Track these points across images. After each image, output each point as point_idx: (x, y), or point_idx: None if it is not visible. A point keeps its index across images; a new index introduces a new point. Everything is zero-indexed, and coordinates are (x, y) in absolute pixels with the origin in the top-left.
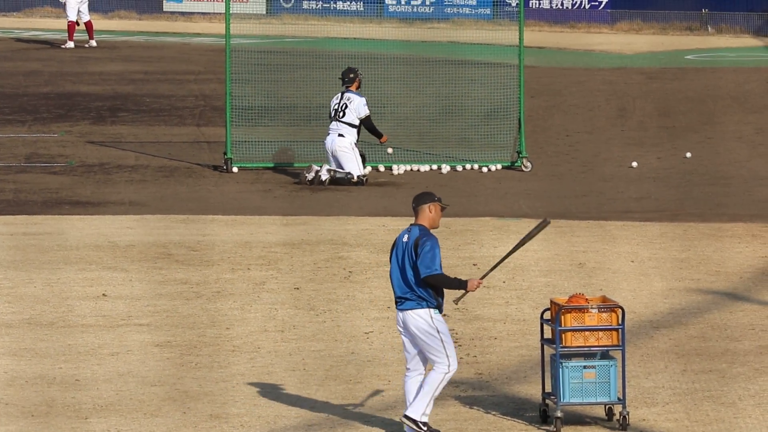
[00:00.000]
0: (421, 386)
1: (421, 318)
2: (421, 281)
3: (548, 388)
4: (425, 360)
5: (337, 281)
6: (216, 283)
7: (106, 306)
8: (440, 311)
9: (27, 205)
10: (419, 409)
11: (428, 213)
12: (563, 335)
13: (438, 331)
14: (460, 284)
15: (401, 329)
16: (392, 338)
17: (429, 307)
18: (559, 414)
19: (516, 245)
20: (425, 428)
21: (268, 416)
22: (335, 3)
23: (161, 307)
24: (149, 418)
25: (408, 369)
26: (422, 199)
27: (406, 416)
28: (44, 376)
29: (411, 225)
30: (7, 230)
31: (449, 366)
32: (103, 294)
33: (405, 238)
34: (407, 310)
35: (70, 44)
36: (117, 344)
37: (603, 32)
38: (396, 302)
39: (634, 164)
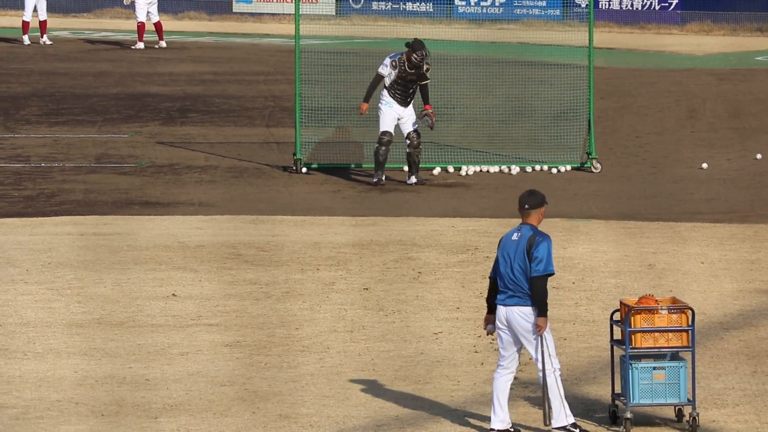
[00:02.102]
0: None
1: (526, 316)
2: (531, 278)
3: (618, 389)
4: (518, 359)
5: (407, 282)
6: (285, 284)
7: (176, 306)
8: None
9: (97, 205)
10: (561, 417)
11: (540, 216)
12: (633, 336)
13: None
14: (544, 308)
15: (502, 326)
16: (461, 339)
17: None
18: (628, 415)
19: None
20: (577, 429)
21: (337, 416)
22: (405, 4)
23: (231, 307)
24: (219, 418)
25: (501, 365)
26: (537, 200)
27: (556, 428)
28: (114, 376)
29: (521, 224)
30: (77, 230)
31: (553, 365)
32: (173, 294)
33: (515, 237)
34: (512, 306)
35: (140, 45)
36: (187, 344)
37: (673, 33)
38: (500, 298)
39: (705, 165)
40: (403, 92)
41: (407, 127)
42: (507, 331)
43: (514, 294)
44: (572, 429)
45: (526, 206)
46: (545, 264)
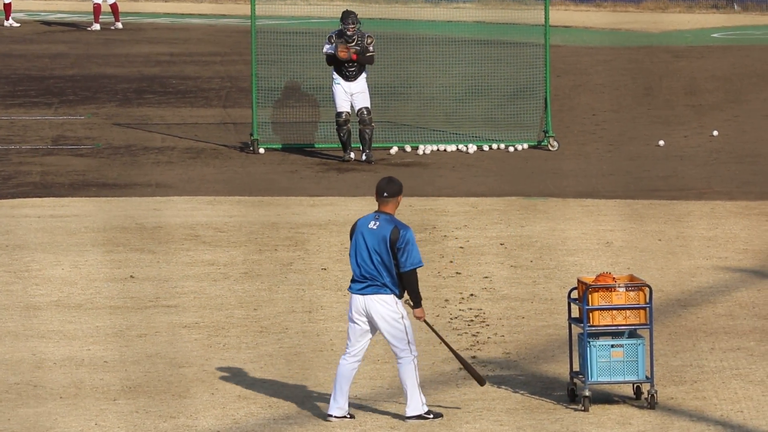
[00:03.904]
0: (402, 383)
1: (387, 303)
2: (402, 273)
3: (576, 367)
4: (366, 348)
5: None
6: (243, 264)
7: (134, 288)
8: (400, 299)
9: (54, 187)
10: (417, 405)
11: (397, 204)
12: (591, 314)
13: (402, 317)
14: (419, 298)
15: (360, 316)
16: None
17: (393, 293)
18: (587, 393)
19: (455, 353)
20: (431, 416)
21: (296, 397)
22: None
23: (189, 288)
24: (177, 399)
25: (348, 353)
26: (397, 188)
27: (410, 418)
28: (72, 358)
29: (378, 212)
30: (35, 213)
31: (412, 352)
32: (131, 276)
33: (373, 225)
34: (371, 294)
35: (96, 26)
36: (145, 326)
37: (629, 11)
38: (355, 287)
39: (661, 143)
40: (345, 67)
41: (358, 104)
42: (364, 321)
43: (372, 284)
44: (426, 416)
45: (385, 194)
46: (414, 258)
